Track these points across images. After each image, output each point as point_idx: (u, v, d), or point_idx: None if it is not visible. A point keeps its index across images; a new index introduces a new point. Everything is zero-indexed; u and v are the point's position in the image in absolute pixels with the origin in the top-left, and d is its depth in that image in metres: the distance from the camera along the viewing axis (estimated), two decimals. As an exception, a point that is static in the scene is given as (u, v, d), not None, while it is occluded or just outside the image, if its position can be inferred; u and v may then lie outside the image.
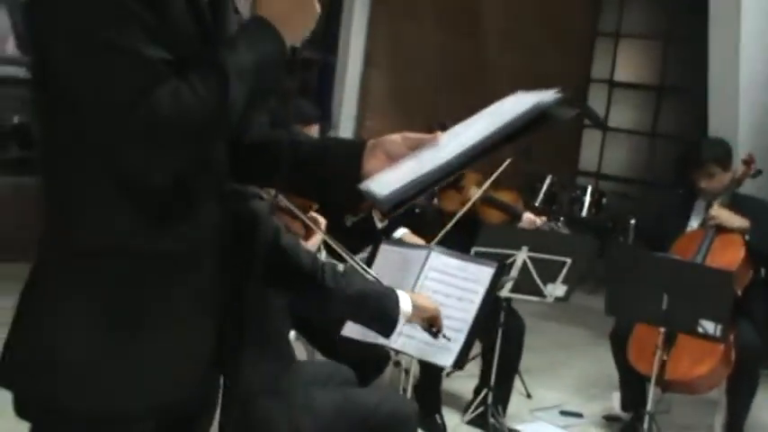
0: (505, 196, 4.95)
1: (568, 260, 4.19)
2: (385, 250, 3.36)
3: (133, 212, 1.56)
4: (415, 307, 2.70)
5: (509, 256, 4.13)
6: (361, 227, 4.23)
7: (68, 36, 1.47)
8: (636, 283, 4.26)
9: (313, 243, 3.06)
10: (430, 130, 4.75)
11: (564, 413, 5.20)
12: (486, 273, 3.10)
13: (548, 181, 9.02)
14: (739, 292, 4.57)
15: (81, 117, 1.50)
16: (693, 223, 5.05)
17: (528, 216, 4.78)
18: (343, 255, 2.87)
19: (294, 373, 2.75)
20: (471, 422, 4.65)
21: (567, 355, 6.41)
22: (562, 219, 4.91)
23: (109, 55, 1.46)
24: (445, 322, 3.08)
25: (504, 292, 4.24)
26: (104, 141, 1.50)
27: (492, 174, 4.79)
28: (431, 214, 4.89)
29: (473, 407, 4.62)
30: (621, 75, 10.90)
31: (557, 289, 4.28)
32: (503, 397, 4.63)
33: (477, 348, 4.79)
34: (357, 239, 4.35)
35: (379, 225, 4.22)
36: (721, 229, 4.79)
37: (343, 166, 1.81)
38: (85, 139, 1.53)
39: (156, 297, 1.61)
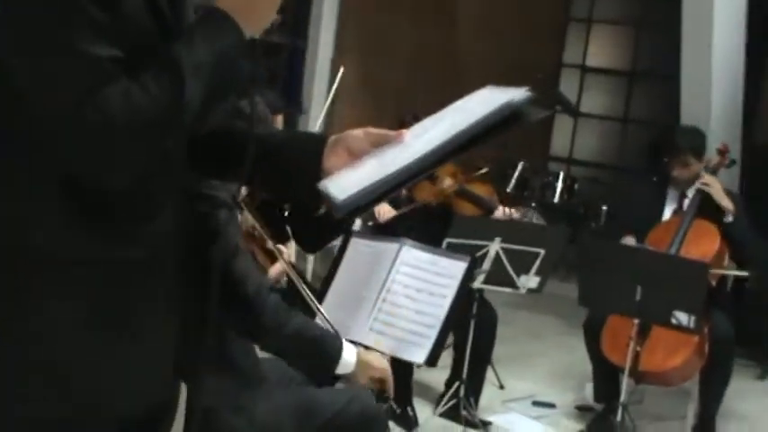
0: (480, 189, 4.89)
1: (542, 251, 4.14)
2: (355, 243, 3.28)
3: (87, 219, 1.48)
4: (361, 362, 2.60)
5: (482, 246, 4.06)
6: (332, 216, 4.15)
7: (9, 34, 1.39)
8: (609, 275, 4.21)
9: (276, 271, 3.01)
10: (402, 122, 4.73)
11: (536, 403, 5.17)
12: (458, 267, 3.02)
13: (519, 167, 8.97)
14: (713, 283, 4.55)
15: (27, 119, 1.42)
16: (667, 211, 5.02)
17: (502, 210, 4.72)
18: (301, 290, 2.79)
19: (260, 391, 2.68)
20: (443, 414, 4.60)
21: (539, 344, 6.39)
22: (534, 205, 4.83)
23: (53, 53, 1.38)
24: (417, 318, 3.02)
25: (477, 284, 4.18)
26: (52, 144, 1.41)
27: (467, 164, 4.75)
28: (402, 201, 4.82)
29: (445, 399, 4.57)
30: (593, 60, 10.88)
31: (530, 280, 4.23)
32: (475, 389, 4.59)
33: (449, 339, 4.74)
34: (328, 229, 4.28)
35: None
36: (697, 217, 4.75)
37: (303, 161, 1.72)
38: (32, 142, 1.44)
39: (118, 301, 1.53)
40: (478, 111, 1.60)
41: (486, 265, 4.10)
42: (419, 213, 4.67)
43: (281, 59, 8.43)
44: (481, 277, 4.16)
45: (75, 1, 1.38)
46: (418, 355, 2.94)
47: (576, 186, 9.11)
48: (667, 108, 8.94)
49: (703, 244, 4.67)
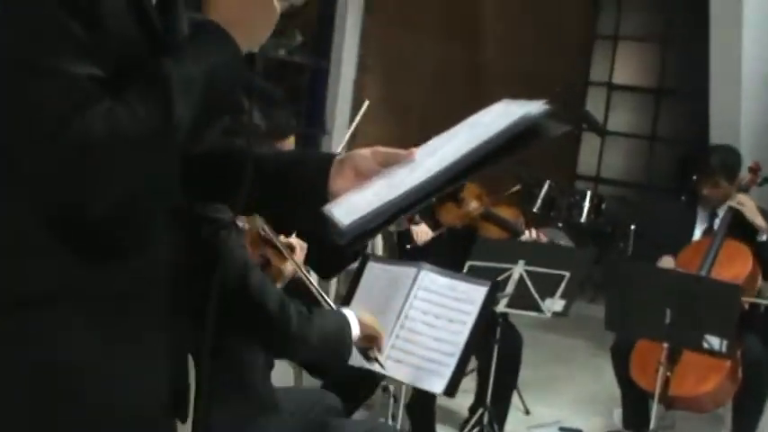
0: (506, 212, 4.76)
1: (567, 273, 4.01)
2: (372, 267, 3.18)
3: (71, 252, 1.38)
4: (361, 324, 2.57)
5: (505, 269, 3.94)
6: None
7: None
8: (637, 298, 4.08)
9: (291, 268, 2.90)
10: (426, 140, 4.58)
11: (563, 429, 5.03)
12: (478, 292, 2.91)
13: (546, 186, 8.85)
14: (746, 306, 4.40)
15: (4, 145, 1.32)
16: (697, 231, 4.89)
17: (528, 233, 4.59)
18: (310, 286, 2.69)
19: (275, 419, 2.59)
20: (470, 439, 4.47)
21: (566, 368, 6.24)
22: (561, 225, 4.71)
23: (28, 74, 1.28)
24: (436, 345, 2.92)
25: (501, 308, 4.06)
26: (33, 171, 1.31)
27: (492, 186, 4.66)
28: (421, 211, 4.72)
29: (469, 426, 4.44)
30: (620, 77, 10.74)
31: (555, 304, 4.10)
32: (499, 415, 4.45)
33: (472, 363, 4.63)
34: (344, 254, 4.19)
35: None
36: (728, 237, 4.62)
37: (308, 183, 1.63)
38: (11, 170, 1.34)
39: (106, 337, 1.43)
40: (494, 126, 1.49)
41: (510, 288, 3.98)
42: (446, 237, 4.57)
43: (304, 80, 8.36)
44: (504, 301, 4.04)
45: (53, 16, 1.29)
46: (437, 385, 2.84)
47: (603, 206, 8.95)
48: (695, 125, 8.79)
49: (735, 265, 4.54)
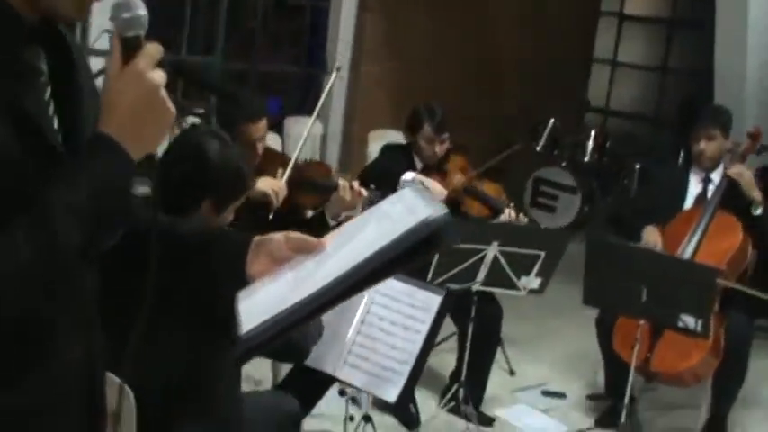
0: (489, 188, 4.70)
1: (542, 253, 4.00)
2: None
3: None
4: None
5: (479, 250, 3.93)
6: (315, 221, 4.05)
7: None
8: (615, 274, 4.07)
9: None
10: (415, 115, 4.52)
11: (546, 393, 5.07)
12: (434, 300, 2.92)
13: (550, 124, 8.77)
14: (732, 280, 4.38)
15: None
16: (689, 197, 4.84)
17: (508, 213, 4.54)
18: None
19: None
20: (448, 409, 4.52)
21: (557, 322, 6.18)
22: (564, 164, 4.66)
23: None
24: (391, 353, 2.93)
25: (476, 286, 4.06)
26: None
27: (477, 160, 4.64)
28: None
29: (446, 398, 4.48)
30: (631, 7, 10.52)
31: (531, 281, 4.10)
32: (475, 391, 4.45)
33: (453, 327, 4.66)
34: (312, 234, 4.17)
35: (331, 222, 3.99)
36: (720, 209, 4.56)
37: (226, 267, 1.65)
38: None
39: None
40: (399, 225, 1.46)
41: (483, 271, 3.97)
42: None
43: (303, 21, 8.24)
44: (481, 276, 4.03)
45: None
46: (390, 393, 2.87)
47: (607, 144, 8.87)
48: (706, 58, 8.61)
49: (725, 239, 4.49)
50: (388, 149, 4.95)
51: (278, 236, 1.64)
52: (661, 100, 10.34)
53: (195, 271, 1.71)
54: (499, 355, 5.08)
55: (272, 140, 6.73)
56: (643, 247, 4.36)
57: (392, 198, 1.67)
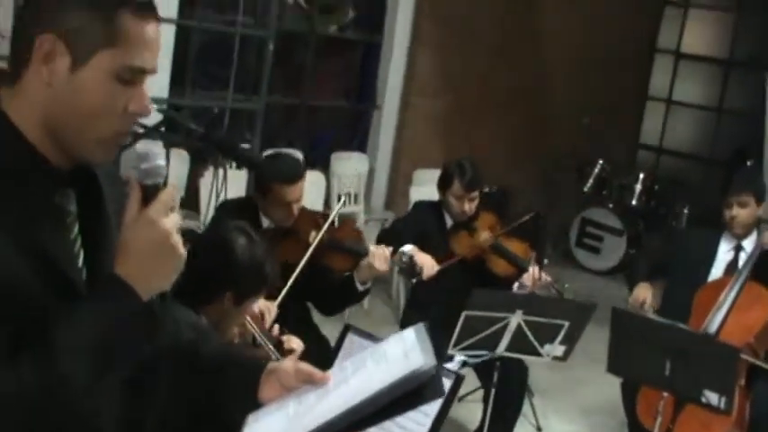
0: (516, 246, 4.73)
1: (566, 323, 4.01)
2: (351, 341, 3.24)
3: None
4: None
5: (502, 318, 3.96)
6: (344, 284, 4.12)
7: None
8: (639, 346, 4.07)
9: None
10: (445, 172, 4.56)
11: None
12: (446, 380, 2.95)
13: (598, 167, 8.76)
14: (757, 359, 4.35)
15: None
16: (719, 264, 4.81)
17: (533, 272, 4.56)
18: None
19: None
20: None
21: (593, 369, 6.13)
22: (567, 286, 4.66)
23: None
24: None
25: (500, 351, 4.09)
26: None
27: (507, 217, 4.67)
28: (437, 237, 4.73)
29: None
30: (689, 46, 10.44)
31: (555, 349, 4.11)
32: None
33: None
34: (338, 296, 4.25)
35: (360, 287, 4.08)
36: (751, 279, 4.53)
37: (242, 391, 1.79)
38: None
39: None
40: (394, 370, 1.63)
41: (506, 339, 4.00)
42: (456, 268, 4.57)
43: (356, 55, 8.33)
44: (504, 344, 4.06)
45: None
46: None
47: (656, 187, 8.83)
48: (760, 100, 8.51)
49: (754, 311, 4.45)
50: (419, 205, 5.01)
51: (289, 366, 1.77)
52: (715, 141, 10.24)
53: (211, 391, 1.83)
54: (527, 407, 5.09)
55: (317, 179, 6.85)
56: (666, 322, 4.34)
57: (394, 338, 1.79)
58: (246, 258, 2.80)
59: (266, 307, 3.52)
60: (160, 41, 1.59)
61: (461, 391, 4.95)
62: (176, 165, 6.33)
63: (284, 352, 3.10)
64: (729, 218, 4.73)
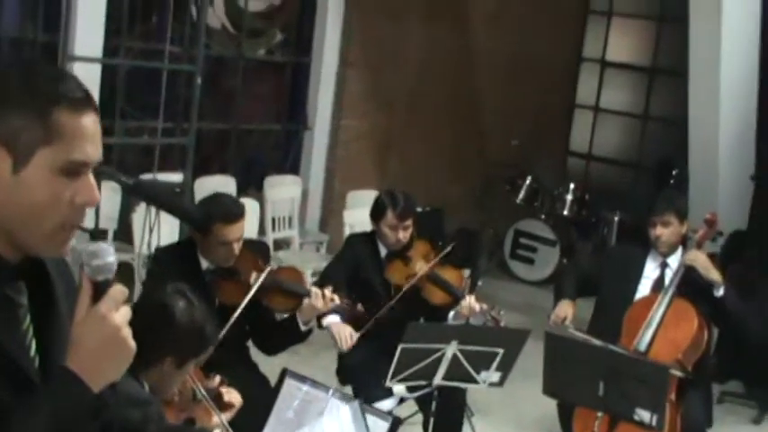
0: (451, 274, 4.79)
1: (501, 350, 4.10)
2: (289, 385, 3.28)
3: None
4: None
5: (437, 349, 4.03)
6: (286, 325, 4.18)
7: None
8: (573, 368, 4.17)
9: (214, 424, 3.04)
10: (377, 202, 4.62)
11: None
12: (381, 427, 3.01)
13: (528, 179, 8.90)
14: (690, 369, 4.48)
15: None
16: (645, 282, 4.93)
17: (469, 302, 4.62)
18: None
19: None
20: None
21: (527, 386, 6.19)
22: (502, 312, 4.74)
23: None
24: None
25: (437, 381, 4.15)
26: None
27: (440, 249, 4.74)
28: (372, 268, 4.79)
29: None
30: (613, 55, 10.64)
31: (491, 376, 4.20)
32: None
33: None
34: (281, 337, 4.30)
35: (303, 327, 4.13)
36: (677, 296, 4.66)
37: None
38: None
39: None
40: None
41: (443, 368, 4.06)
42: (396, 304, 4.62)
43: (285, 76, 8.35)
44: (441, 373, 4.12)
45: None
46: None
47: (587, 197, 9.00)
48: (684, 107, 8.71)
49: (681, 327, 4.58)
50: (351, 239, 5.05)
51: None
52: (642, 147, 10.45)
53: None
54: (467, 428, 5.15)
55: (251, 205, 6.85)
56: (599, 344, 4.45)
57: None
58: (186, 322, 2.81)
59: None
60: (99, 130, 1.61)
61: (401, 415, 4.99)
62: (108, 197, 6.31)
63: (224, 406, 3.12)
64: (654, 237, 4.84)
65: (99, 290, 1.57)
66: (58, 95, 1.56)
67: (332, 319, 4.46)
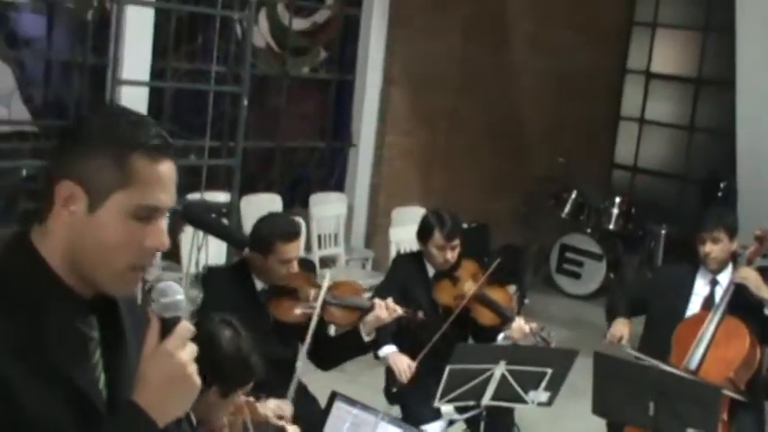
0: (499, 295, 4.77)
1: (549, 370, 4.08)
2: (339, 408, 3.30)
3: None
4: None
5: (486, 370, 4.02)
6: (348, 338, 4.20)
7: None
8: (623, 387, 4.15)
9: None
10: (424, 223, 4.64)
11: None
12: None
13: (574, 193, 8.85)
14: (741, 388, 4.43)
15: None
16: (696, 299, 4.88)
17: (519, 324, 4.60)
18: None
19: None
20: None
21: (579, 402, 6.18)
22: (552, 334, 4.71)
23: None
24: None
25: (485, 401, 4.14)
26: None
27: (487, 267, 4.72)
28: (420, 288, 4.79)
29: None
30: (658, 66, 10.56)
31: (539, 395, 4.18)
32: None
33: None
34: (342, 350, 4.33)
35: (366, 338, 4.16)
36: (728, 314, 4.61)
37: None
38: None
39: None
40: None
41: (491, 388, 4.05)
42: (441, 319, 4.61)
43: (329, 94, 8.40)
44: (489, 393, 4.11)
45: None
46: None
47: (633, 210, 8.93)
48: (731, 117, 8.62)
49: (732, 346, 4.53)
50: (399, 260, 5.06)
51: None
52: (688, 159, 10.36)
53: None
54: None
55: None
56: (649, 363, 4.41)
57: None
58: (232, 352, 2.84)
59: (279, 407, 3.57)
60: (174, 177, 1.68)
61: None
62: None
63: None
64: (703, 254, 4.79)
65: (166, 327, 1.62)
66: (137, 142, 1.62)
67: (388, 350, 4.48)
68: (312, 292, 4.16)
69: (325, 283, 4.18)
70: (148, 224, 1.64)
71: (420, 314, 4.43)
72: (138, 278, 1.69)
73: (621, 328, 4.81)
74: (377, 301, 4.21)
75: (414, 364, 4.45)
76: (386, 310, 4.16)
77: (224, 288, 4.12)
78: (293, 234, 4.11)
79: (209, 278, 4.40)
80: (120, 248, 1.63)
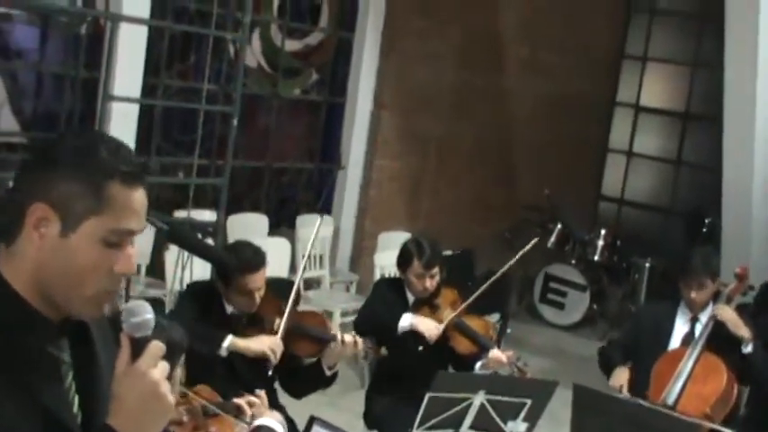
0: (477, 324, 4.79)
1: (528, 401, 4.08)
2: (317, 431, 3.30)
3: None
4: None
5: (465, 399, 4.02)
6: (311, 369, 4.20)
7: None
8: (601, 420, 4.15)
9: None
10: (404, 251, 4.65)
11: None
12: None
13: (559, 225, 8.89)
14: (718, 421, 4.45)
15: None
16: (676, 336, 4.90)
17: (495, 353, 4.61)
18: None
19: None
20: None
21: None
22: (528, 364, 4.73)
23: None
24: None
25: (463, 429, 4.14)
26: None
27: (468, 294, 4.73)
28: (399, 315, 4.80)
29: None
30: (647, 99, 10.64)
31: (518, 426, 4.18)
32: None
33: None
34: (306, 382, 4.33)
35: (327, 372, 4.16)
36: (706, 350, 4.63)
37: None
38: None
39: None
40: None
41: (470, 418, 4.05)
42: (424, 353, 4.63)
43: (319, 116, 8.43)
44: (468, 422, 4.12)
45: None
46: None
47: (618, 243, 8.97)
48: (717, 153, 8.67)
49: (710, 382, 4.54)
50: (379, 285, 5.06)
51: None
52: (674, 192, 10.42)
53: None
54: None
55: (282, 245, 6.90)
56: (627, 398, 4.43)
57: None
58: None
59: (275, 345, 3.61)
60: (146, 203, 1.68)
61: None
62: (141, 235, 6.36)
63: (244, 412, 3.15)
64: (689, 300, 4.79)
65: (137, 346, 1.62)
66: (114, 169, 1.62)
67: (407, 318, 4.57)
68: (277, 321, 4.15)
69: (285, 316, 4.15)
70: (118, 250, 1.64)
71: (383, 350, 4.41)
72: (106, 302, 1.69)
73: (620, 378, 4.80)
74: (338, 334, 4.20)
75: (441, 326, 4.59)
76: (348, 344, 4.14)
77: (194, 304, 4.12)
78: (254, 266, 4.05)
79: (185, 292, 4.40)
80: (91, 273, 1.63)
